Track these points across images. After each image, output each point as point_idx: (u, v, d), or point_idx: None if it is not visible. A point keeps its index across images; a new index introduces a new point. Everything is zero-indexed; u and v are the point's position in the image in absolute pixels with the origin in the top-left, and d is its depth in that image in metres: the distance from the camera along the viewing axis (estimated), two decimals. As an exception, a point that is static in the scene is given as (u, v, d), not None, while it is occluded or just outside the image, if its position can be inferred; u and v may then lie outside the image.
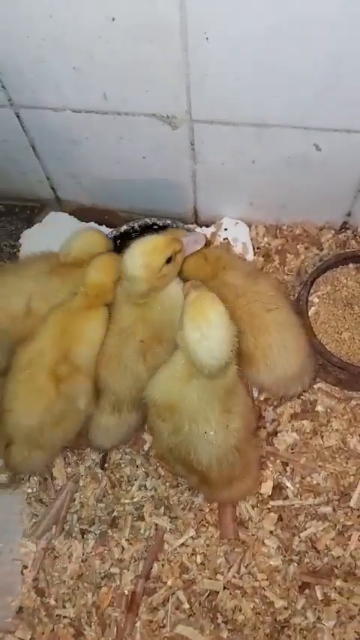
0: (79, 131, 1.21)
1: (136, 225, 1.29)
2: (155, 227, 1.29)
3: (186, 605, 1.11)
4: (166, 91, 1.06)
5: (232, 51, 0.96)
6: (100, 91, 1.09)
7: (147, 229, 1.30)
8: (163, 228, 1.28)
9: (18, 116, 1.20)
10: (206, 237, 1.14)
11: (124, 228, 1.29)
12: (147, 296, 1.04)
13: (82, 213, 1.48)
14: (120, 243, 1.28)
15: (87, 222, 1.47)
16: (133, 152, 1.24)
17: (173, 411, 0.98)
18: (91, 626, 1.12)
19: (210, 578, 1.13)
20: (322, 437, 1.22)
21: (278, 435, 1.22)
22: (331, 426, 1.22)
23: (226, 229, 1.42)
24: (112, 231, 1.29)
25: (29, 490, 1.23)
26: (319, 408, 1.25)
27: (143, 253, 1.00)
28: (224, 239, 1.41)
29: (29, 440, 1.06)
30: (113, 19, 0.93)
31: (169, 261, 1.02)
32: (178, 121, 1.12)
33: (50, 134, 1.23)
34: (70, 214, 1.48)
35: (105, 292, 1.08)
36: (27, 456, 1.08)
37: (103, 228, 1.42)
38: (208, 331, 0.89)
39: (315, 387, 1.26)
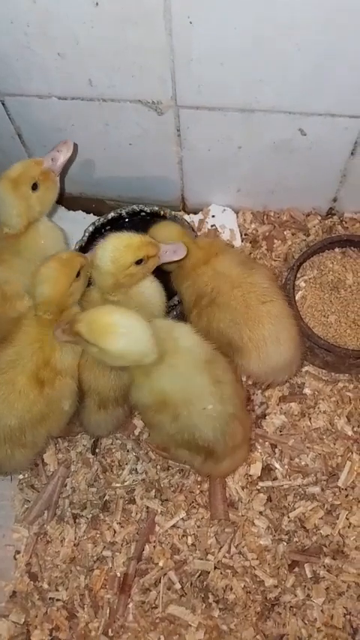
0: (65, 118, 1.21)
1: (123, 212, 1.30)
2: (143, 214, 1.30)
3: (177, 586, 1.13)
4: (151, 76, 1.06)
5: (216, 35, 0.96)
6: (86, 77, 1.09)
7: (135, 216, 1.30)
8: (151, 214, 1.29)
9: (3, 104, 1.20)
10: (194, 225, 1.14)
11: (111, 215, 1.29)
12: (113, 291, 1.04)
13: (70, 202, 1.49)
14: (108, 231, 1.28)
15: (75, 210, 1.48)
16: (120, 139, 1.24)
17: (167, 404, 0.98)
18: (84, 608, 1.13)
19: (201, 559, 1.14)
20: (310, 419, 1.24)
21: (267, 417, 1.24)
22: (318, 407, 1.24)
23: (213, 216, 1.43)
24: (99, 219, 1.30)
25: (21, 476, 1.24)
26: (306, 390, 1.26)
27: (115, 248, 1.01)
28: (212, 226, 1.42)
29: (11, 439, 1.05)
30: (97, 4, 0.93)
31: (140, 262, 1.02)
32: (164, 107, 1.13)
33: (36, 122, 1.23)
34: (57, 203, 1.47)
35: (62, 303, 1.04)
36: (10, 455, 1.08)
37: (91, 217, 1.43)
38: (124, 330, 0.90)
39: (302, 370, 1.28)
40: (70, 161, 1.16)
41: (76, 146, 1.19)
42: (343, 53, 0.97)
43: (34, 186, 1.10)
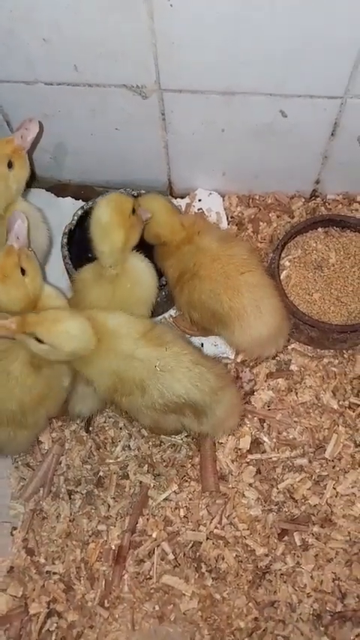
0: (52, 104, 1.23)
1: (111, 196, 1.32)
2: (131, 197, 1.33)
3: (171, 556, 1.16)
4: (134, 60, 1.08)
5: (197, 18, 0.99)
6: (71, 63, 1.11)
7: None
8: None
9: (-10, 91, 1.22)
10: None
11: (99, 199, 1.31)
12: (123, 252, 1.08)
13: (59, 190, 1.51)
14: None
15: (64, 197, 1.50)
16: (106, 124, 1.27)
17: (120, 386, 1.01)
18: (80, 581, 1.16)
19: (193, 530, 1.18)
20: (297, 394, 1.27)
21: (255, 393, 1.27)
22: (304, 383, 1.28)
23: (200, 200, 1.46)
24: (88, 202, 1.32)
25: (16, 455, 1.26)
26: (293, 366, 1.30)
27: (109, 201, 1.08)
28: (199, 209, 1.45)
29: (13, 421, 1.08)
30: (79, -12, 0.96)
31: (133, 212, 1.08)
32: (148, 91, 1.15)
33: (23, 108, 1.25)
34: (47, 190, 1.50)
35: (29, 306, 1.05)
36: (12, 437, 1.10)
37: (80, 203, 1.45)
38: (76, 332, 0.97)
39: (289, 347, 1.32)
40: (35, 141, 1.16)
41: (41, 125, 1.18)
42: (320, 35, 1.00)
43: (10, 165, 1.10)
